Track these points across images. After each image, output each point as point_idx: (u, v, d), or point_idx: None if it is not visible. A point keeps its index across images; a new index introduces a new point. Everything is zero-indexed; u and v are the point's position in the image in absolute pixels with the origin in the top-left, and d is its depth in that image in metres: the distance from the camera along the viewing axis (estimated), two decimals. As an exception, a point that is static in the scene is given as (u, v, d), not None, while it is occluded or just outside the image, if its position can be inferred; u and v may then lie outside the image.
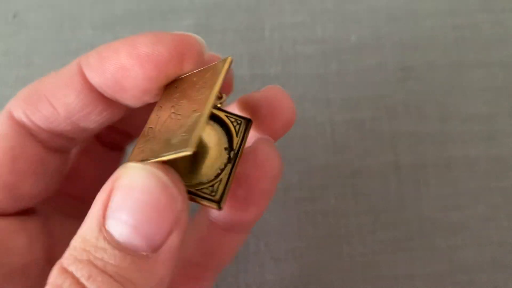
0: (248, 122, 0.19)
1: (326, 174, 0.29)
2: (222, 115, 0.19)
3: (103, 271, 0.14)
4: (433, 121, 0.30)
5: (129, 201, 0.14)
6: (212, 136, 0.19)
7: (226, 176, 0.18)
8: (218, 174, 0.18)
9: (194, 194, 0.17)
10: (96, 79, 0.18)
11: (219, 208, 0.17)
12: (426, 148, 0.30)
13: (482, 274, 0.28)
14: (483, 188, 0.29)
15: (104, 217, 0.15)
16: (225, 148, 0.19)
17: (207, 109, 0.15)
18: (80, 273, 0.14)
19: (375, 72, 0.31)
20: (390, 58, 0.31)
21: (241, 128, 0.19)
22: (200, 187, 0.17)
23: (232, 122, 0.19)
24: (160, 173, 0.15)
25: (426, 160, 0.30)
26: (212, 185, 0.17)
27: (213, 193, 0.17)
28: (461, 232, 0.29)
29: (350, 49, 0.31)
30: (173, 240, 0.15)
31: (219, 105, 0.19)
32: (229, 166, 0.18)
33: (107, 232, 0.14)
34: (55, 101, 0.18)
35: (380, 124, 0.30)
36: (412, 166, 0.30)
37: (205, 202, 0.17)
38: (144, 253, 0.14)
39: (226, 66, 0.16)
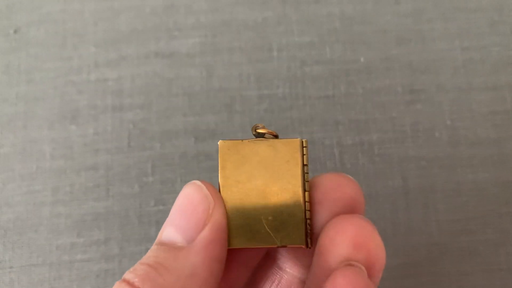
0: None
1: (334, 198, 0.29)
2: None
3: (143, 263, 0.16)
4: (442, 145, 0.30)
5: (173, 207, 0.18)
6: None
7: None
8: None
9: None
10: None
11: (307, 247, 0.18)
12: (435, 172, 0.29)
13: (492, 301, 0.28)
14: (493, 213, 0.29)
15: (162, 233, 0.17)
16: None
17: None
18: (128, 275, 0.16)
19: (383, 94, 0.31)
20: (399, 80, 0.31)
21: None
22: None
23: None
24: (198, 182, 0.18)
25: (435, 185, 0.29)
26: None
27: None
28: (470, 257, 0.28)
29: (358, 70, 0.31)
30: (206, 233, 0.17)
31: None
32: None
33: (160, 240, 0.17)
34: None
35: (389, 148, 0.30)
36: (420, 191, 0.29)
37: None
38: (180, 244, 0.17)
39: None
